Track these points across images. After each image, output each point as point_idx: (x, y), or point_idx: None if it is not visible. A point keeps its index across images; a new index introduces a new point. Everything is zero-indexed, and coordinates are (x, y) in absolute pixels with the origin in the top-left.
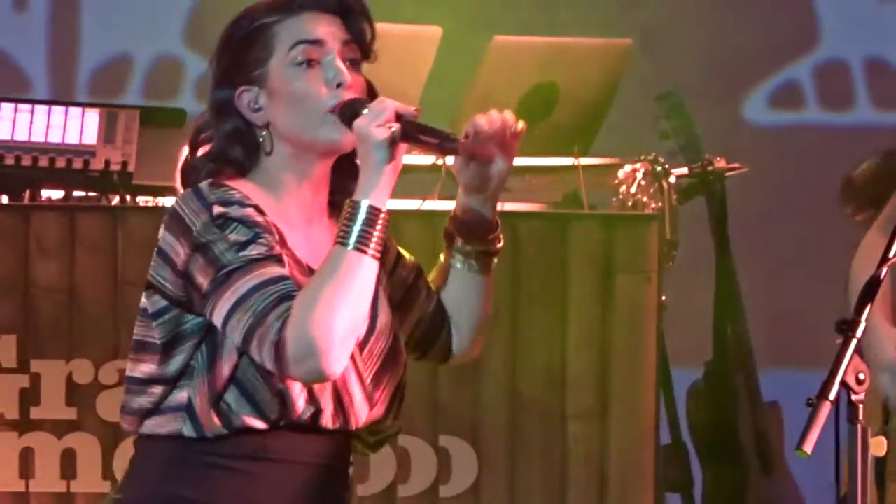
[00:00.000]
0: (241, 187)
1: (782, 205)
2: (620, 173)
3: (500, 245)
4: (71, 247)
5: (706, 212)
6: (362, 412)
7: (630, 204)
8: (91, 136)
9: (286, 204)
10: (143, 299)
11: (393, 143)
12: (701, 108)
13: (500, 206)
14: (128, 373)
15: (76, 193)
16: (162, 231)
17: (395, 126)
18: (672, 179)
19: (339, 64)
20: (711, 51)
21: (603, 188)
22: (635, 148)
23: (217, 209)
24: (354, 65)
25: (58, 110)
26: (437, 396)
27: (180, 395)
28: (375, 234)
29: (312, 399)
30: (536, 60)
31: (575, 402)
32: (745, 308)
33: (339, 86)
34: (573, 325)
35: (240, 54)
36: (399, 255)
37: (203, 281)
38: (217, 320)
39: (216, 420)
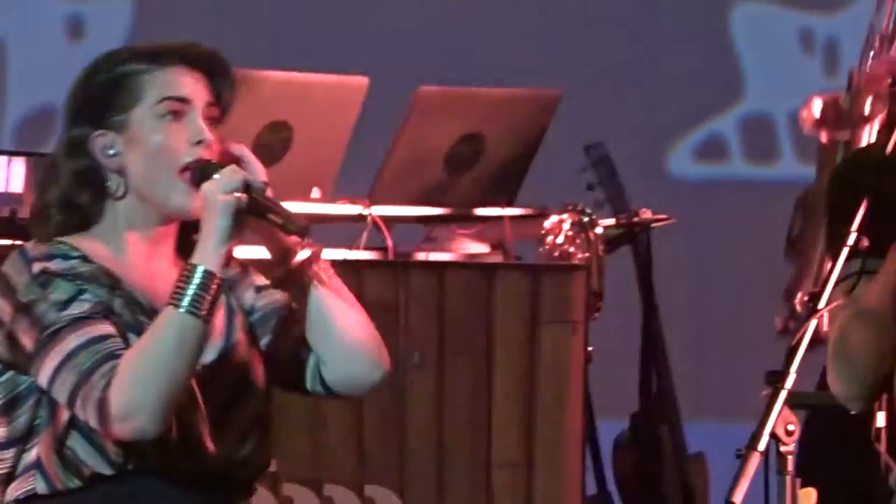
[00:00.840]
0: (78, 242)
1: (707, 257)
2: (547, 223)
3: (306, 254)
4: None
5: (632, 263)
6: (211, 449)
7: (556, 254)
8: (18, 185)
9: (126, 251)
10: None
11: (237, 213)
12: (627, 159)
13: (426, 256)
14: None
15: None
16: None
17: (243, 197)
18: (598, 230)
19: (201, 122)
20: (637, 103)
21: (529, 238)
22: (562, 198)
23: (37, 266)
24: (214, 124)
25: None
26: (362, 444)
27: (31, 455)
28: (208, 297)
29: (160, 442)
30: (463, 110)
31: (501, 452)
32: (671, 359)
33: (198, 143)
34: (499, 375)
35: (101, 97)
36: (259, 288)
37: (27, 342)
38: (43, 380)
39: (63, 471)
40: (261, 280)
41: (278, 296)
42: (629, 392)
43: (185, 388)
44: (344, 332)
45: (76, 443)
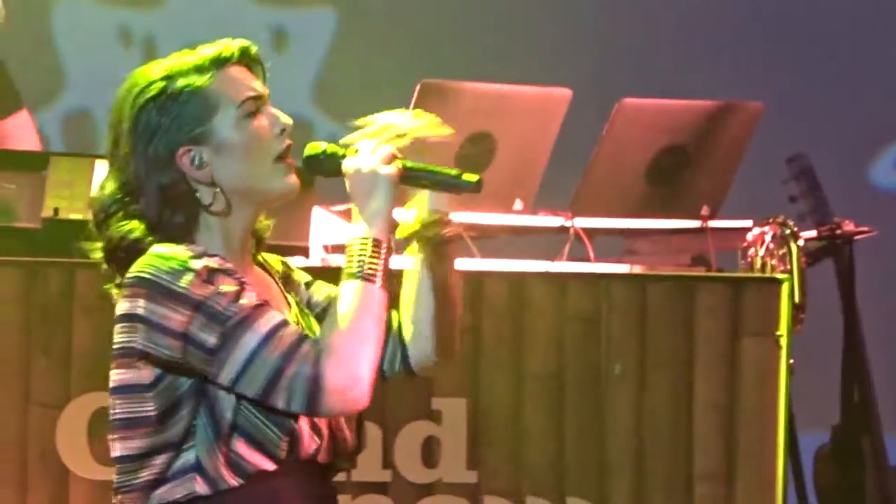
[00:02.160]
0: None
1: None
2: (749, 236)
3: (453, 231)
4: None
5: (834, 275)
6: (348, 445)
7: (758, 266)
8: None
9: (234, 253)
10: (126, 374)
11: (400, 179)
12: (828, 171)
13: (630, 269)
14: (117, 453)
15: None
16: (140, 303)
17: (399, 166)
18: (801, 242)
19: (278, 112)
20: (840, 113)
21: (730, 250)
22: (764, 210)
23: (197, 263)
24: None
25: None
26: (563, 456)
27: (187, 457)
28: (385, 267)
29: (316, 433)
30: (665, 123)
31: (702, 464)
32: (872, 371)
33: (282, 131)
34: (700, 387)
35: (178, 114)
36: (308, 283)
37: (210, 338)
38: (230, 373)
39: (227, 470)
40: (305, 276)
41: (330, 289)
42: (831, 404)
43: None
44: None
45: (239, 444)
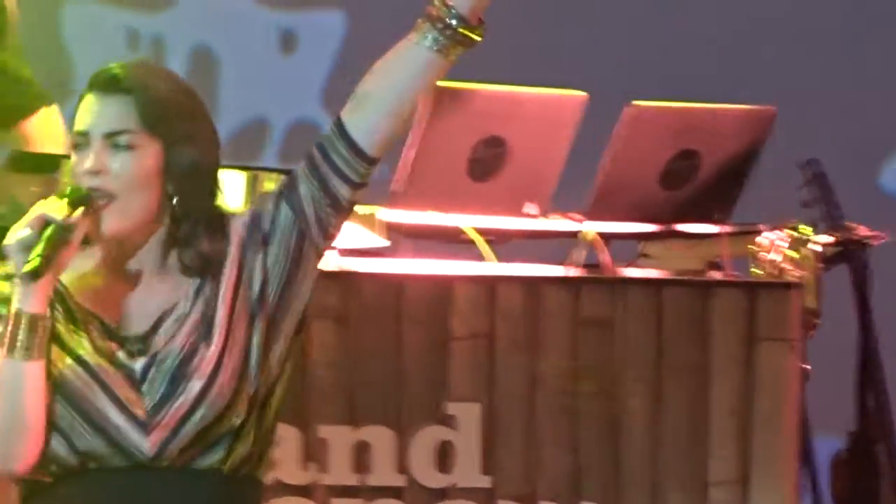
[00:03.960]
0: None
1: None
2: (763, 240)
3: (480, 35)
4: None
5: (848, 280)
6: (141, 440)
7: (772, 271)
8: (237, 198)
9: (98, 259)
10: None
11: (35, 274)
12: (841, 176)
13: (643, 273)
14: None
15: None
16: None
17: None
18: (815, 247)
19: (90, 155)
20: (852, 118)
21: (743, 256)
22: (777, 215)
23: None
24: (125, 149)
25: None
26: (577, 460)
27: None
28: (37, 339)
29: (70, 445)
30: (678, 126)
31: (717, 470)
32: (887, 377)
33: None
34: (716, 392)
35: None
36: (269, 233)
37: None
38: None
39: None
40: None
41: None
42: (846, 410)
43: (30, 427)
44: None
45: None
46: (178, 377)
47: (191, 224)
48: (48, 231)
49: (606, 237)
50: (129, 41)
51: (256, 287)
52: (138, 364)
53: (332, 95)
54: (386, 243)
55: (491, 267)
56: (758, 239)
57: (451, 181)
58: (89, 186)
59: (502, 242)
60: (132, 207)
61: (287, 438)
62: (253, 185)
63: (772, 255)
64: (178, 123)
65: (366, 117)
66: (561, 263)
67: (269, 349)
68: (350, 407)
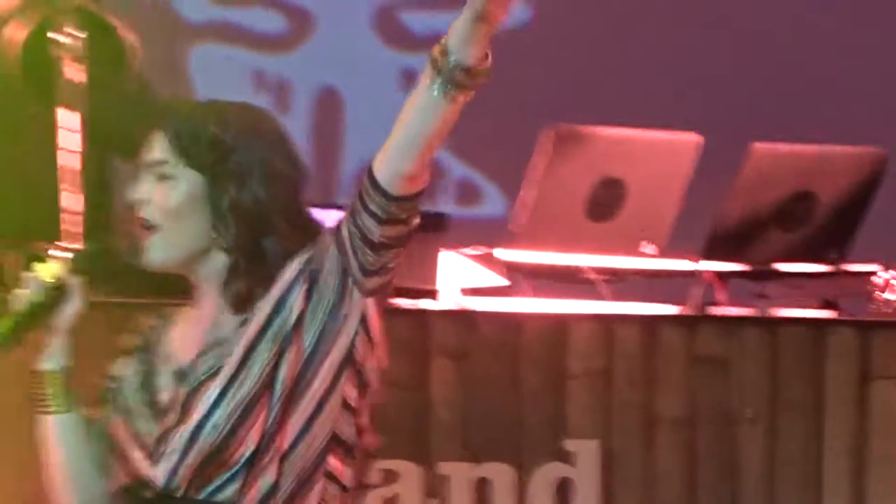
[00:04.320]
0: None
1: None
2: (877, 280)
3: (482, 79)
4: None
5: None
6: (151, 470)
7: (887, 310)
8: None
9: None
10: None
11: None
12: None
13: (758, 313)
14: None
15: None
16: None
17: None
18: None
19: (140, 184)
20: None
21: (858, 295)
22: (891, 254)
23: None
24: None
25: (317, 213)
26: (695, 499)
27: None
28: (51, 394)
29: (112, 480)
30: (795, 168)
31: None
32: None
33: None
34: (829, 430)
35: None
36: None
37: None
38: None
39: None
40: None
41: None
42: None
43: None
44: (437, 134)
45: None
46: (186, 408)
47: (232, 260)
48: (28, 302)
49: (722, 276)
50: (256, 82)
51: (293, 318)
52: (165, 395)
53: (454, 135)
54: (505, 282)
55: (608, 306)
56: (873, 278)
57: (569, 221)
58: (138, 216)
59: (619, 281)
60: (174, 238)
61: (407, 475)
62: None
63: (886, 294)
64: (217, 158)
65: (387, 159)
66: (677, 302)
67: (300, 383)
68: (470, 444)
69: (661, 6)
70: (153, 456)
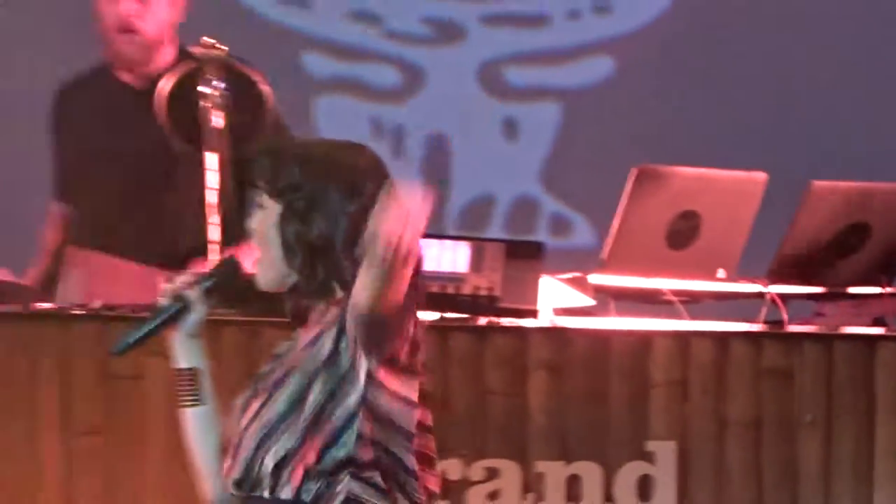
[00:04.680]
0: None
1: None
2: None
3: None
4: (444, 361)
5: None
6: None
7: None
8: (462, 265)
9: None
10: None
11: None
12: None
13: (817, 329)
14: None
15: (448, 315)
16: None
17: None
18: None
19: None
20: None
21: None
22: None
23: None
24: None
25: (432, 243)
26: (761, 497)
27: None
28: (189, 389)
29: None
30: (853, 202)
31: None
32: None
33: None
34: (880, 434)
35: None
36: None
37: None
38: None
39: None
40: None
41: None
42: None
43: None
44: None
45: None
46: (244, 413)
47: (293, 286)
48: (155, 311)
49: (785, 298)
50: (373, 129)
51: (325, 353)
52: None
53: (549, 175)
54: (593, 302)
55: (685, 324)
56: None
57: (651, 249)
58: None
59: (695, 302)
60: (267, 262)
61: (508, 472)
62: (479, 252)
63: None
64: (291, 191)
65: None
66: (746, 320)
67: (324, 411)
68: (563, 445)
69: (728, 65)
70: (227, 451)
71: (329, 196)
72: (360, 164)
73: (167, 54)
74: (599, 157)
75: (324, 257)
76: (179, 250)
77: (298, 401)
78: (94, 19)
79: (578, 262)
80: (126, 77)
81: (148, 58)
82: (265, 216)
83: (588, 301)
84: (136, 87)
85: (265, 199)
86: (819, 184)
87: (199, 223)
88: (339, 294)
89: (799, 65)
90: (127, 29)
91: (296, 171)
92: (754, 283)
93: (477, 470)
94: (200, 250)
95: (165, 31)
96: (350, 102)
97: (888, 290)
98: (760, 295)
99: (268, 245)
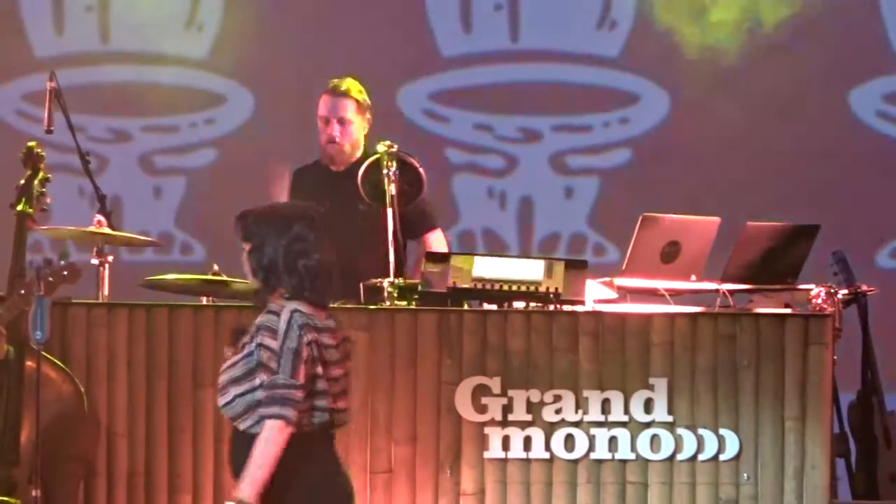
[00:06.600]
0: None
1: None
2: (813, 292)
3: None
4: (528, 332)
5: (856, 313)
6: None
7: (817, 308)
8: (539, 275)
9: None
10: None
11: None
12: (853, 257)
13: (748, 310)
14: None
15: (532, 305)
16: None
17: None
18: (839, 296)
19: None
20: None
21: (803, 301)
22: (820, 278)
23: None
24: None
25: (522, 261)
26: (716, 410)
27: None
28: None
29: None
30: (768, 235)
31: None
32: (876, 361)
33: None
34: (789, 377)
35: None
36: None
37: None
38: None
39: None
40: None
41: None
42: (855, 379)
43: None
44: None
45: None
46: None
47: (257, 290)
48: None
49: (732, 292)
50: (487, 195)
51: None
52: None
53: (592, 220)
54: (615, 296)
55: (672, 308)
56: (811, 292)
57: (651, 264)
58: None
59: (677, 295)
60: (247, 278)
61: (566, 397)
62: (549, 267)
63: (817, 300)
64: (250, 236)
65: None
66: (708, 306)
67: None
68: (599, 380)
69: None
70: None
71: (269, 236)
72: (290, 214)
73: (358, 153)
74: (623, 209)
75: (272, 273)
76: (357, 269)
77: (248, 354)
78: (316, 133)
79: (608, 271)
80: (332, 167)
81: (345, 158)
82: (244, 253)
83: (611, 294)
84: (336, 172)
85: (243, 243)
86: (751, 224)
87: (374, 254)
88: (283, 293)
89: None
90: (332, 142)
91: (251, 223)
92: (713, 283)
93: (549, 395)
94: (375, 273)
95: (357, 141)
96: (473, 178)
97: (792, 286)
98: (717, 290)
99: (246, 267)
